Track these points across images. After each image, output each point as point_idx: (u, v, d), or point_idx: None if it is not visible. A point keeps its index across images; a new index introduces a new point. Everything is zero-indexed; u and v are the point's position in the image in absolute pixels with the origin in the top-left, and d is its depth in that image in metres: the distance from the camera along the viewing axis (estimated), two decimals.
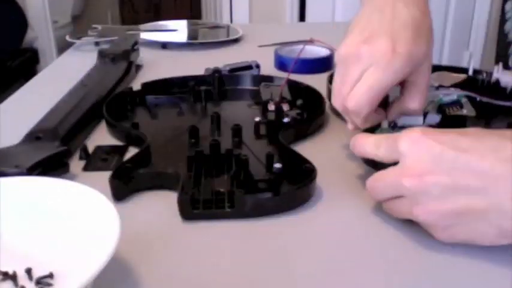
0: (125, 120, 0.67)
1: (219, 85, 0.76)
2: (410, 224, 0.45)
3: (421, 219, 0.41)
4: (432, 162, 0.39)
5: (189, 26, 1.25)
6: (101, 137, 0.63)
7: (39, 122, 0.60)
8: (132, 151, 0.59)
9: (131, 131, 0.61)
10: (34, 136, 0.56)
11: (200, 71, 0.83)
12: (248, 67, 0.87)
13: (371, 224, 0.46)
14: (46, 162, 0.51)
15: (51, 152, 0.52)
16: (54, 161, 0.52)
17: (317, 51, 0.90)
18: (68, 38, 1.06)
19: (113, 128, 0.64)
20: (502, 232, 0.38)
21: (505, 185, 0.37)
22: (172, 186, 0.50)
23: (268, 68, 0.89)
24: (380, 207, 0.48)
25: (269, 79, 0.77)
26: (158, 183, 0.51)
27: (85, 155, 0.57)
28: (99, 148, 0.60)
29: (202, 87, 0.73)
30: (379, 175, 0.44)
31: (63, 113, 0.62)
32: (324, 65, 0.87)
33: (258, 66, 0.87)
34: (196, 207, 0.46)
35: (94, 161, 0.57)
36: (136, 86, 0.75)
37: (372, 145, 0.45)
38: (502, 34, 0.92)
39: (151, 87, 0.75)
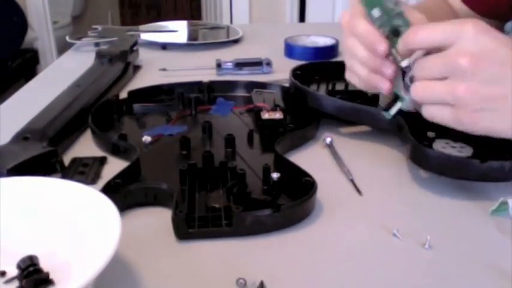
0: (111, 130, 0.64)
1: (208, 92, 0.74)
2: (413, 234, 0.45)
3: (460, 96, 0.43)
4: (490, 52, 0.43)
5: (189, 26, 1.25)
6: (87, 144, 0.61)
7: (29, 123, 0.59)
8: (112, 161, 0.57)
9: (119, 142, 0.58)
10: (22, 136, 0.56)
11: (200, 72, 0.83)
12: (258, 63, 0.87)
13: (373, 236, 0.45)
14: (32, 162, 0.50)
15: (37, 152, 0.51)
16: (41, 161, 0.51)
17: (324, 40, 0.99)
18: (68, 38, 1.07)
19: (99, 138, 0.61)
20: None
21: None
22: (165, 202, 0.48)
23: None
24: (381, 219, 0.48)
25: (261, 85, 0.74)
26: (150, 199, 0.49)
27: (61, 167, 0.54)
28: (75, 160, 0.57)
29: (192, 95, 0.70)
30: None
31: (53, 114, 0.61)
32: (328, 52, 0.97)
33: (269, 64, 0.87)
34: (192, 225, 0.44)
35: (70, 174, 0.53)
36: (134, 86, 0.74)
37: (429, 29, 0.46)
38: None
39: (138, 95, 0.72)
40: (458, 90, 0.43)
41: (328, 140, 0.61)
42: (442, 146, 0.52)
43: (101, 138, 0.61)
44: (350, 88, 0.71)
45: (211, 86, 0.75)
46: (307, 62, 0.80)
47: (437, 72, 0.45)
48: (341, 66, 0.75)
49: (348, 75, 0.54)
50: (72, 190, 0.41)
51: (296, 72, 0.72)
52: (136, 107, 0.70)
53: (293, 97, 0.68)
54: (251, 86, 0.75)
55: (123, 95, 0.72)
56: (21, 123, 0.59)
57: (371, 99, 0.62)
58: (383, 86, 0.49)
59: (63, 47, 2.46)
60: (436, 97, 0.45)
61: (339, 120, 0.64)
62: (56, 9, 2.93)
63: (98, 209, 0.39)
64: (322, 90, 0.72)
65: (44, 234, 0.40)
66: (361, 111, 0.60)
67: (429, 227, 0.46)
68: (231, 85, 0.76)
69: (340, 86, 0.71)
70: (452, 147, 0.52)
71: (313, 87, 0.71)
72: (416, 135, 0.53)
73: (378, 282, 0.39)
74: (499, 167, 0.49)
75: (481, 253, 0.42)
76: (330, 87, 0.71)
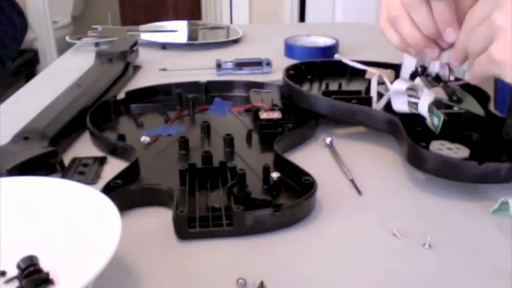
0: (110, 131, 0.63)
1: (206, 92, 0.74)
2: (413, 234, 0.45)
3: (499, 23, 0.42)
4: None
5: (189, 26, 1.25)
6: (87, 144, 0.61)
7: (29, 123, 0.59)
8: (111, 161, 0.57)
9: (118, 143, 0.58)
10: (22, 136, 0.56)
11: (200, 72, 0.83)
12: (258, 63, 0.87)
13: (373, 237, 0.45)
14: (32, 162, 0.50)
15: (37, 152, 0.52)
16: (41, 161, 0.51)
17: (324, 40, 1.00)
18: (68, 38, 1.07)
19: (97, 139, 0.61)
20: None
21: None
22: (165, 202, 0.48)
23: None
24: (381, 219, 0.48)
25: (259, 85, 0.74)
26: (150, 199, 0.49)
27: (61, 167, 0.54)
28: (75, 160, 0.56)
29: (190, 95, 0.70)
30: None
31: (53, 114, 0.61)
32: (328, 52, 0.95)
33: (269, 64, 0.87)
34: (193, 225, 0.44)
35: (70, 174, 0.54)
36: (134, 86, 0.74)
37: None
38: None
39: (136, 95, 0.71)
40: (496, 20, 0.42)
41: (328, 139, 0.61)
42: (437, 148, 0.51)
43: (99, 139, 0.60)
44: (344, 88, 0.71)
45: (209, 86, 0.75)
46: (300, 61, 0.78)
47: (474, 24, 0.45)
48: (334, 65, 0.75)
49: (386, 28, 0.53)
50: (72, 190, 0.41)
51: (290, 72, 0.72)
52: (134, 107, 0.70)
53: (288, 98, 0.68)
54: (249, 85, 0.74)
55: (123, 95, 0.72)
56: (21, 123, 0.59)
57: (366, 99, 0.61)
58: (434, 54, 0.51)
59: (63, 47, 2.46)
60: (477, 38, 0.44)
61: (338, 120, 0.64)
62: (56, 9, 2.93)
63: (98, 209, 0.39)
64: (315, 89, 0.71)
65: (44, 234, 0.40)
66: (356, 112, 0.60)
67: (429, 227, 0.46)
68: (229, 85, 0.76)
69: (333, 86, 0.71)
70: (449, 148, 0.51)
71: (306, 87, 0.71)
72: (412, 136, 0.53)
73: (377, 282, 0.39)
74: (495, 169, 0.48)
75: (481, 253, 0.42)
76: (324, 86, 0.71)
